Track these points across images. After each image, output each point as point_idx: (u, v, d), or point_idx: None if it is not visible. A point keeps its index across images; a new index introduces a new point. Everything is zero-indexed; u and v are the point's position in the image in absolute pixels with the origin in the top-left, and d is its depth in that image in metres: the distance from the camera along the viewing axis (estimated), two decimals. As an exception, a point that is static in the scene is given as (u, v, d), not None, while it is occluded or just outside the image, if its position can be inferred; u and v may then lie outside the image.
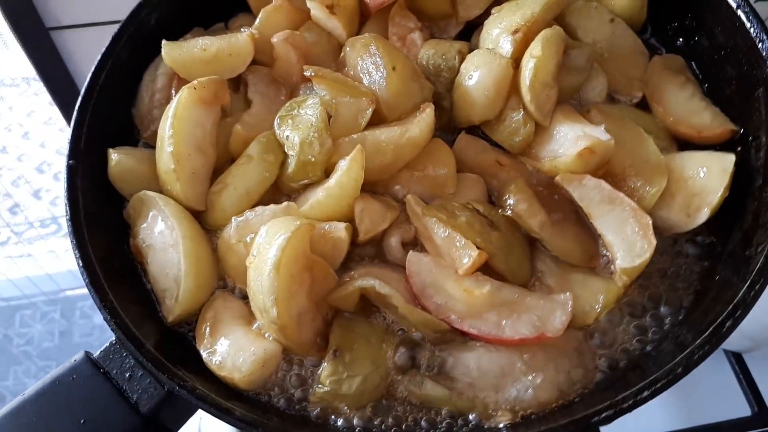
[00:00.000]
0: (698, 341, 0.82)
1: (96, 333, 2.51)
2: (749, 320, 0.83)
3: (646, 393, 0.79)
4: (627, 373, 0.90)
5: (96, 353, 0.91)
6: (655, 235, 0.93)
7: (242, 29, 1.16)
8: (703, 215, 0.97)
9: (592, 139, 0.98)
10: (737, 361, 1.32)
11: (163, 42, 1.09)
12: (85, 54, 1.56)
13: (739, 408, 1.25)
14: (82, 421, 0.83)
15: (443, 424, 0.90)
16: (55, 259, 2.58)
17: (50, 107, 1.78)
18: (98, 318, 2.42)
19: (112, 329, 0.88)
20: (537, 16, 1.05)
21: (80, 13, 1.49)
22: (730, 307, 0.83)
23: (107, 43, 1.10)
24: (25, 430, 0.82)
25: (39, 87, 1.90)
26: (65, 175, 0.99)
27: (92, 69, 1.08)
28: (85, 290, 0.90)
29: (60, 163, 2.65)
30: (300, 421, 0.89)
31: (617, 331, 0.95)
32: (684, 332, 0.90)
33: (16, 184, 2.71)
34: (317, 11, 1.15)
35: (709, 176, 0.97)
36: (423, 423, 0.91)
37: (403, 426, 0.91)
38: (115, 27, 1.07)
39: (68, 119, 1.55)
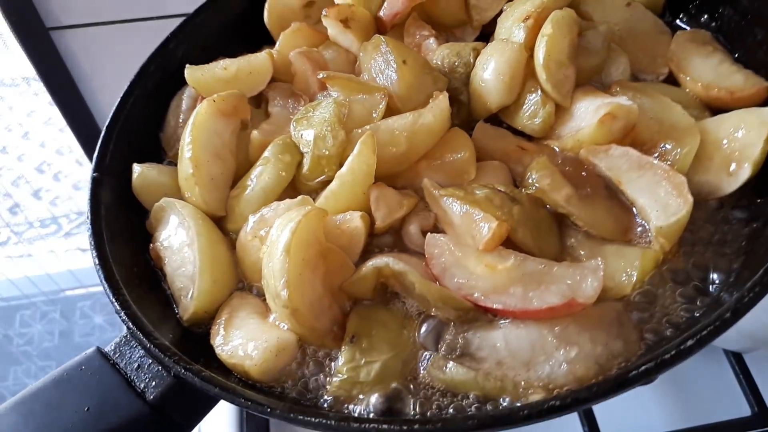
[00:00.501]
0: (748, 284, 0.73)
1: (96, 333, 2.47)
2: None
3: (690, 342, 0.70)
4: (673, 341, 0.80)
5: (107, 347, 0.89)
6: (693, 198, 0.86)
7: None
8: (745, 172, 0.89)
9: (612, 105, 0.93)
10: (737, 361, 1.24)
11: (187, 65, 1.14)
12: (85, 54, 1.60)
13: (739, 408, 1.19)
14: (86, 408, 0.80)
15: (471, 409, 0.81)
16: (55, 259, 2.58)
17: (50, 107, 1.78)
18: (98, 318, 2.39)
19: (122, 320, 0.86)
20: (548, 2, 1.05)
21: (80, 13, 1.54)
22: (782, 247, 0.74)
23: (136, 71, 1.16)
24: (27, 418, 0.79)
25: (39, 87, 1.93)
26: (89, 186, 1.02)
27: (121, 94, 1.13)
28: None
29: (60, 163, 2.72)
30: (313, 408, 0.82)
31: (662, 301, 0.85)
32: (734, 291, 0.80)
33: (16, 184, 2.76)
34: (332, 28, 1.18)
35: (747, 132, 0.90)
36: (451, 410, 0.82)
37: (428, 414, 0.82)
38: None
39: (68, 119, 1.60)
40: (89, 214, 0.99)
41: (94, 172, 1.04)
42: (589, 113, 0.97)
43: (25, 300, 2.56)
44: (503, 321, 0.85)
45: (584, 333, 0.82)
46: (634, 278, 0.85)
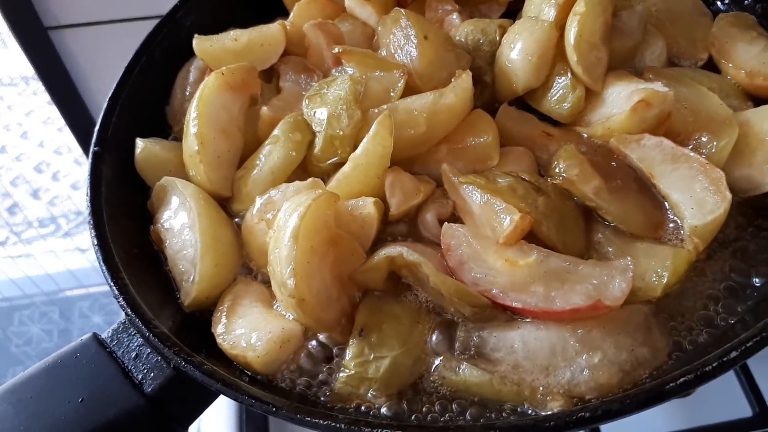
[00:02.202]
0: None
1: (96, 333, 2.48)
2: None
3: (734, 353, 0.65)
4: (708, 348, 0.74)
5: (104, 334, 0.84)
6: (732, 195, 0.80)
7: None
8: (791, 168, 0.83)
9: (647, 91, 0.87)
10: (738, 361, 1.20)
11: (195, 35, 1.08)
12: (85, 54, 1.56)
13: (740, 408, 1.17)
14: (80, 399, 0.76)
15: (491, 415, 0.76)
16: (54, 259, 2.55)
17: (49, 107, 1.79)
18: (97, 318, 2.37)
19: (120, 306, 0.82)
20: (580, -22, 0.97)
21: (79, 12, 1.50)
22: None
23: (142, 39, 1.10)
24: (17, 408, 0.75)
25: (38, 86, 1.92)
26: (89, 161, 0.97)
27: (125, 65, 1.08)
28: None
29: (59, 163, 2.70)
30: (320, 408, 0.78)
31: (695, 307, 0.80)
32: (776, 298, 0.74)
33: (14, 184, 2.74)
34: (351, 0, 1.12)
35: (794, 125, 0.84)
36: (468, 416, 0.77)
37: (442, 419, 0.78)
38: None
39: (67, 119, 1.56)
40: (89, 190, 0.94)
41: (95, 146, 0.99)
42: (621, 99, 0.91)
43: (24, 300, 2.53)
44: (522, 321, 0.80)
45: (609, 337, 0.77)
46: (665, 280, 0.79)
